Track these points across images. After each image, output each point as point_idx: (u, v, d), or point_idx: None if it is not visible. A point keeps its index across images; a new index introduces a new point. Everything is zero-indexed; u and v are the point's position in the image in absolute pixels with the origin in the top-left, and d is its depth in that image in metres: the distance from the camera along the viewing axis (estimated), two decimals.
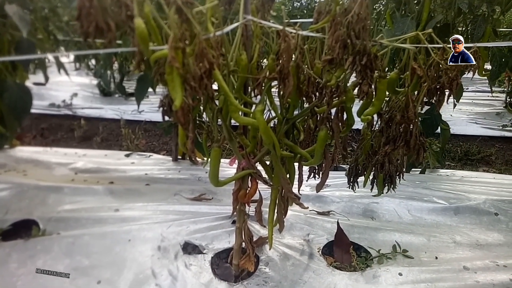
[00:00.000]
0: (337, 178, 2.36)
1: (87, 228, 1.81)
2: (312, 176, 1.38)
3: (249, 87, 1.16)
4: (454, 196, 2.17)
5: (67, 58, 6.45)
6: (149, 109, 4.48)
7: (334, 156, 1.19)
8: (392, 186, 1.35)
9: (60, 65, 1.97)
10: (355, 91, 1.01)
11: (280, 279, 1.47)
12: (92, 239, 1.70)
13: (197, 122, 1.61)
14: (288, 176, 1.24)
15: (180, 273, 1.50)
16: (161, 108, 1.82)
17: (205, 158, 1.44)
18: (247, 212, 1.40)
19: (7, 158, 2.74)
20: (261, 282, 1.45)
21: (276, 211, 1.33)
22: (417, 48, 0.96)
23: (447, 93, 1.04)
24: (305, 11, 4.35)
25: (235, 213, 1.39)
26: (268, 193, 1.32)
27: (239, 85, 1.10)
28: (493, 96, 4.84)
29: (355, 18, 0.83)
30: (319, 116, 1.11)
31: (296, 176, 1.30)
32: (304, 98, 1.07)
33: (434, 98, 1.03)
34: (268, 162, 1.27)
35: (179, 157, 2.86)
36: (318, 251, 1.66)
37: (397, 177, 1.34)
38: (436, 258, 1.63)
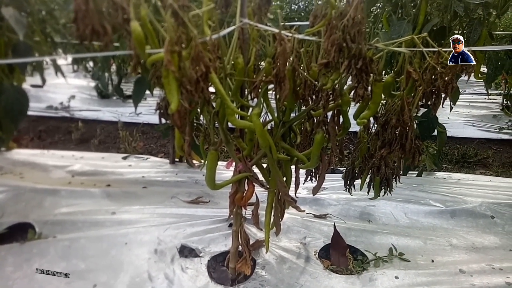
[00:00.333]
0: (334, 181, 2.36)
1: (84, 231, 1.80)
2: (309, 179, 1.38)
3: (246, 90, 1.16)
4: (451, 199, 2.18)
5: (65, 61, 6.45)
6: (147, 112, 4.47)
7: (331, 159, 1.19)
8: (388, 189, 1.35)
9: (57, 68, 1.97)
10: (351, 94, 1.01)
11: (277, 282, 1.47)
12: (88, 242, 1.69)
13: (195, 124, 1.61)
14: (284, 179, 1.24)
15: (176, 277, 1.49)
16: (158, 111, 1.82)
17: (203, 161, 1.44)
18: (243, 215, 1.40)
19: (4, 160, 2.73)
20: (257, 286, 1.45)
21: (272, 214, 1.33)
22: (412, 52, 0.96)
23: (443, 96, 1.05)
24: (302, 14, 4.36)
25: (231, 216, 1.39)
26: (265, 196, 1.32)
27: (235, 88, 1.10)
28: (490, 99, 4.86)
29: (350, 22, 0.83)
30: (315, 119, 1.11)
31: (293, 179, 1.30)
32: (300, 101, 1.07)
33: (430, 102, 1.03)
34: (265, 165, 1.27)
35: (177, 159, 2.86)
36: (315, 254, 1.66)
37: (394, 180, 1.34)
38: (433, 261, 1.63)
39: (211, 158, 1.14)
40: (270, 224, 1.35)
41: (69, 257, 1.60)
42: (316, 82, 1.00)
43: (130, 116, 4.48)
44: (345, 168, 1.44)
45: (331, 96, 0.97)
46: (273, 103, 1.13)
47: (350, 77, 0.93)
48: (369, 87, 0.97)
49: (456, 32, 1.92)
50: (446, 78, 0.96)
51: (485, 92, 4.77)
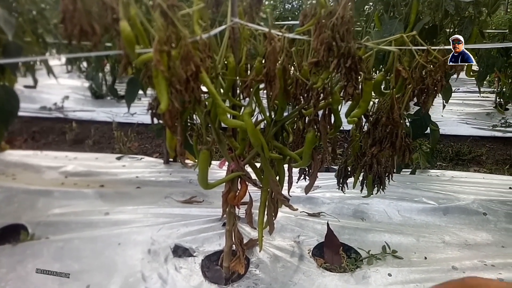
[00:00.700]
0: (327, 179, 2.37)
1: (77, 232, 1.79)
2: (302, 177, 1.38)
3: (238, 89, 1.16)
4: (444, 196, 2.19)
5: (58, 61, 6.41)
6: (142, 112, 4.46)
7: (323, 158, 1.20)
8: (381, 187, 1.35)
9: (48, 69, 1.96)
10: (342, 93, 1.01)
11: (271, 281, 1.47)
12: (81, 243, 1.69)
13: (188, 124, 1.61)
14: (277, 178, 1.24)
15: (170, 276, 1.49)
16: (150, 111, 1.81)
17: (196, 161, 1.44)
18: (237, 214, 1.40)
19: None
20: (251, 284, 1.45)
21: (266, 213, 1.33)
22: (402, 50, 0.97)
23: (433, 94, 1.05)
24: (296, 13, 4.37)
25: (225, 215, 1.39)
26: (258, 195, 1.32)
27: (227, 88, 1.10)
28: (483, 97, 4.89)
29: (339, 20, 0.83)
30: (307, 118, 1.11)
31: (286, 178, 1.30)
32: (292, 100, 1.07)
33: (420, 100, 1.04)
34: (258, 164, 1.27)
35: (171, 159, 2.85)
36: (309, 253, 1.66)
37: (387, 178, 1.34)
38: (425, 258, 1.64)
39: (203, 158, 1.14)
40: (264, 223, 1.35)
41: (62, 258, 1.59)
42: (307, 81, 1.00)
43: (125, 116, 4.46)
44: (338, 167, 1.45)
45: (321, 94, 0.97)
46: (265, 102, 1.13)
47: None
48: (360, 86, 0.97)
49: (448, 30, 1.93)
50: (436, 76, 0.97)
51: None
